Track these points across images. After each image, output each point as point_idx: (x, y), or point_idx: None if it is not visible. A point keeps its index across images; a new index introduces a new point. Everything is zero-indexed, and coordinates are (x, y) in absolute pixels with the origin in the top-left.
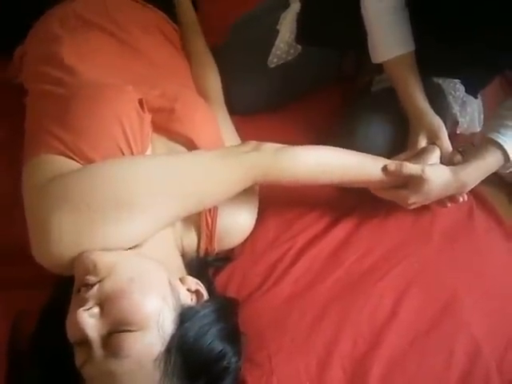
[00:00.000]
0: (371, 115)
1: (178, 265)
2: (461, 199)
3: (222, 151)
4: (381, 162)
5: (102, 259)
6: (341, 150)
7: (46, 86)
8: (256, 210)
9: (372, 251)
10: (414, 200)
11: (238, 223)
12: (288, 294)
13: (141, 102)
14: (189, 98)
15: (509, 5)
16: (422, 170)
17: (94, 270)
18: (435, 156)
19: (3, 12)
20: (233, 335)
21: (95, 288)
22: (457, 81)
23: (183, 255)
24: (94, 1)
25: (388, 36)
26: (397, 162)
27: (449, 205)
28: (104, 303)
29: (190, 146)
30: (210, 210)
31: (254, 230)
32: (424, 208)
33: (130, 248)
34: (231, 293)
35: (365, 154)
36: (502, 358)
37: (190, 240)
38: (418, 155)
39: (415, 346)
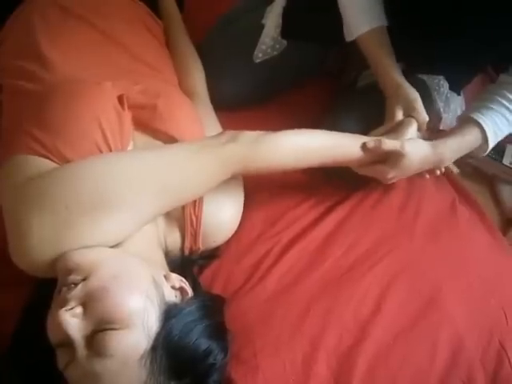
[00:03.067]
0: (356, 110)
1: (161, 262)
2: (438, 172)
3: (198, 144)
4: (359, 139)
5: (85, 258)
6: (319, 131)
7: (21, 81)
8: (241, 207)
9: (356, 246)
10: (394, 175)
11: (222, 221)
12: (273, 291)
13: (121, 99)
14: (172, 95)
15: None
16: (401, 146)
17: (77, 269)
18: (413, 129)
19: None
20: (219, 332)
21: (78, 287)
22: (441, 77)
23: (167, 253)
24: None
25: (359, 12)
26: (375, 138)
27: (427, 176)
28: (87, 302)
29: (173, 143)
30: (194, 209)
31: (240, 226)
32: (408, 201)
33: (112, 246)
34: (217, 290)
35: (343, 133)
36: (485, 350)
37: (174, 238)
38: (396, 129)
39: (399, 340)
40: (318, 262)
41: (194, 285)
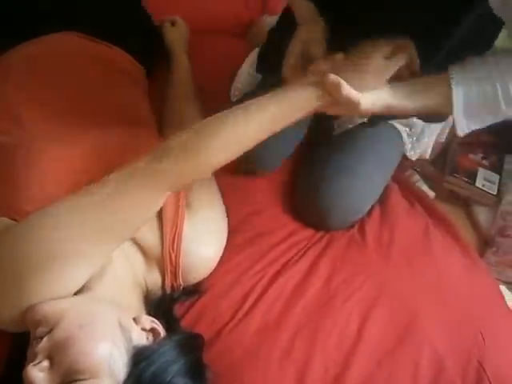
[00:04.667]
0: (332, 158)
1: (135, 304)
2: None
3: (125, 175)
4: (307, 89)
5: (50, 309)
6: (244, 111)
7: None
8: (222, 244)
9: (335, 276)
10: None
11: (202, 258)
12: (259, 325)
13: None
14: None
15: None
16: (359, 102)
17: (43, 321)
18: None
19: None
20: (196, 369)
21: (44, 340)
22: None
23: (148, 292)
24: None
25: None
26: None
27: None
28: (53, 354)
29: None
30: (172, 246)
31: (226, 262)
32: (382, 229)
33: (80, 292)
34: (203, 326)
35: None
36: (465, 370)
37: (154, 278)
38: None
39: (383, 365)
40: (299, 294)
41: (173, 324)
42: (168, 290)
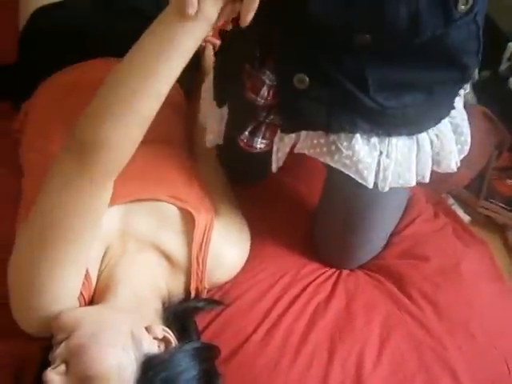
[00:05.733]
0: (356, 210)
1: (151, 312)
2: None
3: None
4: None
5: (68, 317)
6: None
7: (31, 154)
8: (248, 243)
9: (357, 298)
10: None
11: (228, 258)
12: (279, 341)
13: None
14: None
15: None
16: None
17: (62, 328)
18: None
19: (23, 62)
20: (206, 379)
21: (62, 345)
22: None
23: (169, 296)
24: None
25: None
26: None
27: None
28: (69, 359)
29: None
30: (200, 248)
31: (253, 276)
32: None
33: (98, 301)
34: (226, 338)
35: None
36: None
37: (177, 281)
38: None
39: None
40: (321, 312)
41: (190, 333)
42: (192, 293)
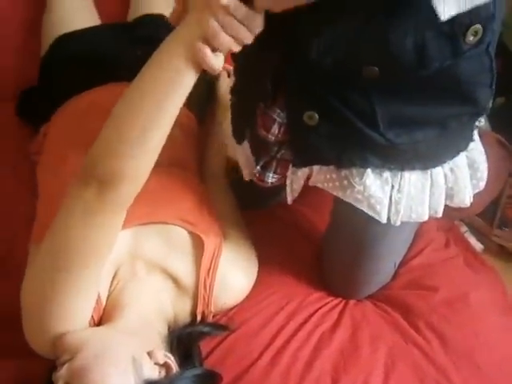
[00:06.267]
0: (364, 244)
1: (155, 336)
2: None
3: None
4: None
5: (72, 338)
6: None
7: (46, 175)
8: (255, 269)
9: (363, 328)
10: None
11: (235, 284)
12: (284, 367)
13: None
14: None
15: None
16: None
17: (67, 349)
18: None
19: (42, 87)
20: None
21: (64, 367)
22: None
23: (175, 320)
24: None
25: None
26: None
27: None
28: (71, 381)
29: None
30: (208, 273)
31: (260, 302)
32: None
33: (104, 322)
34: (230, 363)
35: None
36: None
37: (184, 305)
38: None
39: None
40: (326, 341)
41: (193, 358)
42: (198, 317)
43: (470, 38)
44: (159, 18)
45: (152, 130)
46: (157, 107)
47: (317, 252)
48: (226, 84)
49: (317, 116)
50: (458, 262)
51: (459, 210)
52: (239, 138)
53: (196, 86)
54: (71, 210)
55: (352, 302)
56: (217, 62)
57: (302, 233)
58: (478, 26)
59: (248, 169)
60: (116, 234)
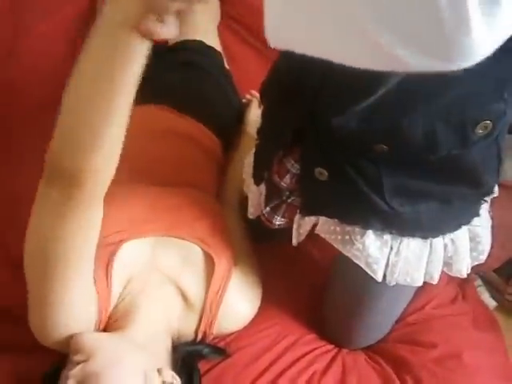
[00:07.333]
0: (364, 298)
1: (163, 353)
2: None
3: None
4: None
5: (88, 340)
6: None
7: None
8: (259, 298)
9: (353, 376)
10: None
11: (239, 311)
12: None
13: None
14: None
15: None
16: None
17: (81, 350)
18: None
19: None
20: None
21: (79, 367)
22: None
23: (179, 338)
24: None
25: None
26: None
27: None
28: (83, 382)
29: None
30: (216, 296)
31: (254, 333)
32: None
33: (116, 328)
34: None
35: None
36: None
37: (188, 323)
38: None
39: None
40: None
41: (195, 380)
42: (199, 336)
43: (480, 131)
44: (199, 43)
45: (109, 116)
46: (109, 92)
47: (318, 294)
48: (255, 113)
49: (327, 173)
50: (459, 320)
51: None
52: (259, 179)
53: (225, 113)
54: (40, 209)
55: (346, 349)
56: (168, 29)
57: (306, 271)
58: (488, 122)
59: (254, 208)
60: (91, 229)
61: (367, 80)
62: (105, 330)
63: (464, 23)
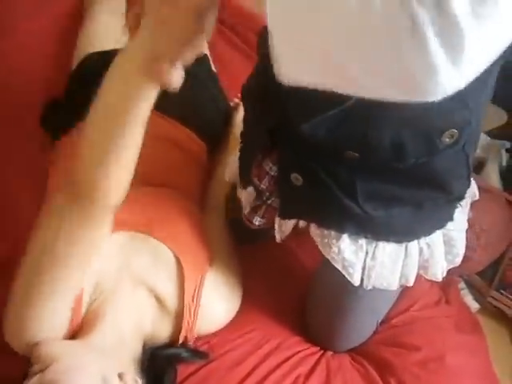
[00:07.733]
0: (349, 300)
1: (128, 357)
2: None
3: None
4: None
5: (46, 349)
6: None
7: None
8: (239, 297)
9: (338, 378)
10: None
11: (218, 311)
12: None
13: None
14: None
15: None
16: None
17: (40, 359)
18: None
19: (66, 102)
20: None
21: (35, 377)
22: None
23: (152, 340)
24: None
25: None
26: None
27: None
28: None
29: None
30: (193, 298)
31: (239, 337)
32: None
33: (78, 335)
34: None
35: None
36: None
37: (166, 325)
38: None
39: None
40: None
41: (164, 382)
42: (180, 340)
43: (446, 140)
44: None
45: (122, 149)
46: (122, 127)
47: (302, 296)
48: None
49: (301, 179)
50: (442, 322)
51: (460, 266)
52: (245, 182)
53: (212, 116)
54: (50, 218)
55: (330, 352)
56: (176, 75)
57: (290, 272)
58: (454, 131)
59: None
60: (99, 240)
61: (334, 91)
62: (74, 334)
63: (430, 67)
